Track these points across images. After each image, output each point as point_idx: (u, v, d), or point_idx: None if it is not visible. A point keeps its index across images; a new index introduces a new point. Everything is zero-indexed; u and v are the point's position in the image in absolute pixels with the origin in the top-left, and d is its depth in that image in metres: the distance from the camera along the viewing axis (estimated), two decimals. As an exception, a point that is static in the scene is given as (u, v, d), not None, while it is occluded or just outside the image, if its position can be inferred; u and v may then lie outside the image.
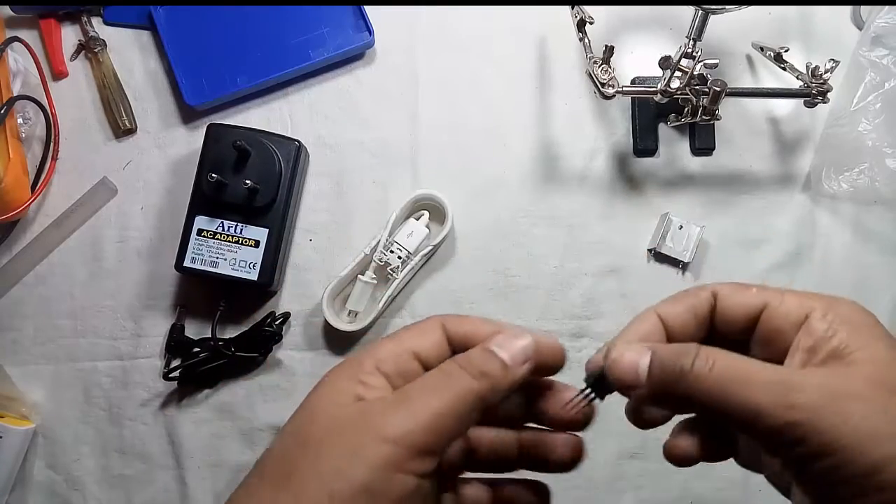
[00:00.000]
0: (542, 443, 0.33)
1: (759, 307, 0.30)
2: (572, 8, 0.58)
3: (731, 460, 0.32)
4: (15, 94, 0.61)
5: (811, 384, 0.26)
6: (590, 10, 0.58)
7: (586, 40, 0.57)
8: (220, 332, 0.61)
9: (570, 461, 0.32)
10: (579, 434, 0.32)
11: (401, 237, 0.60)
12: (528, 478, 0.33)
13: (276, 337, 0.61)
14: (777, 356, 0.29)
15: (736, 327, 0.31)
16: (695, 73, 0.55)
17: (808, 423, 0.25)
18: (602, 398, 0.31)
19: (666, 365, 0.28)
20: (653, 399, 0.30)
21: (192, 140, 0.64)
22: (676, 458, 0.30)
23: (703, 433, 0.30)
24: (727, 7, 0.53)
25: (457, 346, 0.31)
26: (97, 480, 0.61)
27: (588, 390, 0.31)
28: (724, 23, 0.55)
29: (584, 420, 0.32)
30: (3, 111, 0.59)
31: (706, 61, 0.55)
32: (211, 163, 0.58)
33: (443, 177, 0.64)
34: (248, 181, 0.57)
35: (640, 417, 0.30)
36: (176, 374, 0.60)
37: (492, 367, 0.29)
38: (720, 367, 0.27)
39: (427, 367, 0.30)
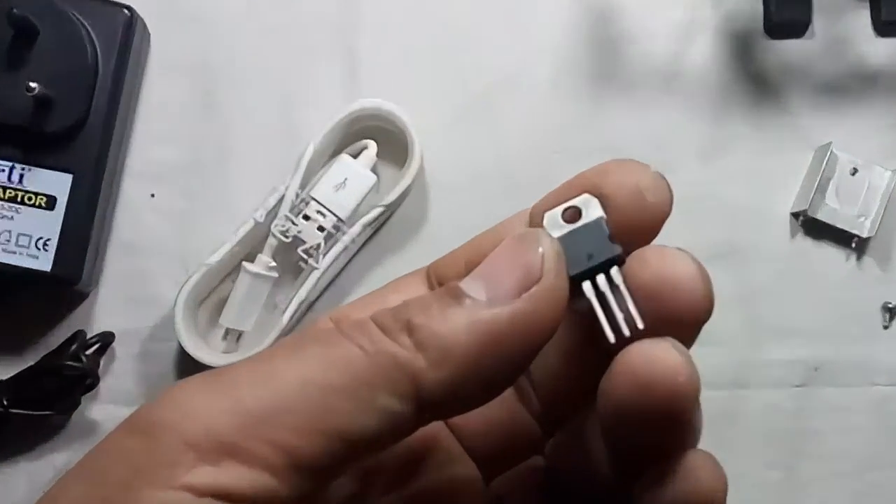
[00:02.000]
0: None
1: None
2: None
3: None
4: None
5: None
6: None
7: None
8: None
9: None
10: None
11: (324, 190, 0.44)
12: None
13: (88, 380, 0.43)
14: None
15: None
16: None
17: None
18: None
19: None
20: None
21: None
22: None
23: None
24: None
25: None
26: None
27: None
28: None
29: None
30: None
31: None
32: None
33: (402, 78, 0.45)
34: (33, 83, 0.44)
35: None
36: None
37: (430, 318, 0.18)
38: None
39: None
